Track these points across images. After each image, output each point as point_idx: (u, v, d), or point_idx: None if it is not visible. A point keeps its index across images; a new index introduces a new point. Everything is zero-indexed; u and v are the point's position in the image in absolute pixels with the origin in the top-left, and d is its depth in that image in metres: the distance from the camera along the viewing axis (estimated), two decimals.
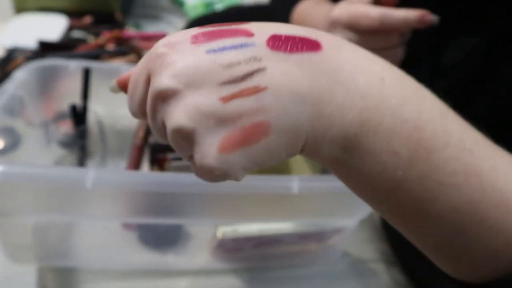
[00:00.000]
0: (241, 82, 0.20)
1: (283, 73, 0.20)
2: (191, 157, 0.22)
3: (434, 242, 0.24)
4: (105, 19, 0.94)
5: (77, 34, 0.88)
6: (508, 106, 0.41)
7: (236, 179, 0.22)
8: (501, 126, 0.40)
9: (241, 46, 0.20)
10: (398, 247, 0.55)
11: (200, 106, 0.20)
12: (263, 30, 0.21)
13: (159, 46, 0.21)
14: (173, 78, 0.20)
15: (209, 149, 0.20)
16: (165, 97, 0.21)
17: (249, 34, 0.21)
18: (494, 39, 0.41)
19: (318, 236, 0.48)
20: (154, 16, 1.11)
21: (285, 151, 0.21)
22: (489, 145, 0.23)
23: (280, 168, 0.52)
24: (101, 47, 0.79)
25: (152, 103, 0.21)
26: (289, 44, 0.21)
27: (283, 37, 0.21)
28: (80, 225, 0.46)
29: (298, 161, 0.53)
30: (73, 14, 0.93)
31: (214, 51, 0.20)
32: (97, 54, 0.73)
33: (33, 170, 0.36)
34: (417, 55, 0.47)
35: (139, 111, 0.23)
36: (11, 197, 0.39)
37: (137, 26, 1.02)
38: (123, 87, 0.25)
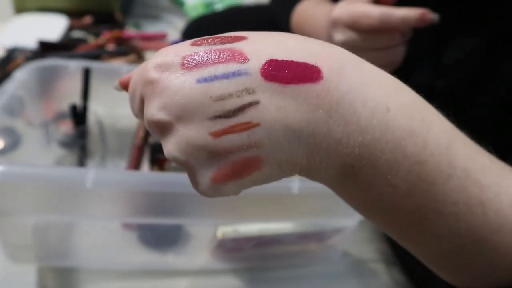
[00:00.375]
0: (232, 117, 0.19)
1: (277, 108, 0.19)
2: None
3: (432, 256, 0.24)
4: (105, 19, 0.94)
5: (77, 34, 0.88)
6: (508, 106, 0.41)
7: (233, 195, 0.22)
8: (500, 126, 0.40)
9: (234, 74, 0.19)
10: (398, 247, 0.54)
11: (191, 140, 0.20)
12: (259, 51, 0.20)
13: (150, 69, 0.21)
14: (164, 111, 0.20)
15: (202, 179, 0.21)
16: (157, 128, 0.21)
17: (243, 59, 0.20)
18: (494, 39, 0.41)
19: (318, 236, 0.48)
20: (154, 16, 1.11)
21: (278, 178, 0.21)
22: (496, 167, 0.22)
23: None
24: (101, 47, 0.79)
25: (149, 127, 0.22)
26: (286, 73, 0.19)
27: (280, 64, 0.19)
28: (80, 225, 0.46)
29: None
30: (73, 14, 0.93)
31: (205, 80, 0.19)
32: (97, 54, 0.73)
33: (33, 170, 0.36)
34: (418, 55, 0.47)
35: (139, 116, 0.23)
36: (11, 197, 0.39)
37: (137, 26, 1.02)
38: (125, 88, 0.25)
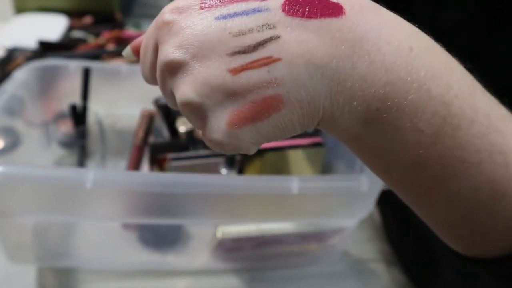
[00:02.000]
0: (252, 52, 0.18)
1: (298, 42, 0.19)
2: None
3: (449, 219, 0.23)
4: (105, 19, 0.94)
5: (77, 34, 0.88)
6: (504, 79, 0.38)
7: (248, 152, 0.21)
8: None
9: (254, 11, 0.19)
10: (398, 247, 0.55)
11: (208, 79, 0.19)
12: None
13: (166, 12, 0.20)
14: (180, 49, 0.19)
15: (218, 124, 0.20)
16: (172, 69, 0.20)
17: None
18: (489, 9, 0.38)
19: (318, 236, 0.48)
20: (154, 16, 1.09)
21: (299, 126, 0.20)
22: None
23: (280, 168, 0.52)
24: (101, 47, 0.79)
25: (160, 74, 0.21)
26: (307, 8, 0.19)
27: (300, 0, 0.19)
28: (80, 225, 0.46)
29: (298, 161, 0.53)
30: (73, 14, 0.93)
31: (224, 17, 0.19)
32: (97, 54, 0.73)
33: (33, 170, 0.36)
34: (412, 11, 0.43)
35: (151, 77, 0.23)
36: (11, 197, 0.39)
37: (137, 26, 1.01)
38: (136, 53, 0.25)
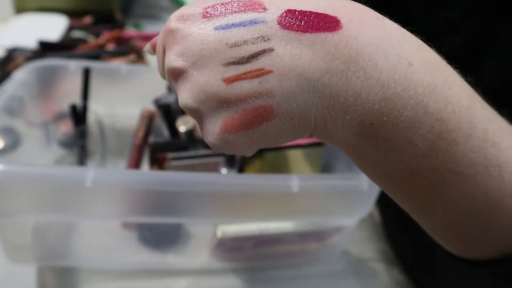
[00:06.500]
0: (246, 64, 0.19)
1: (292, 56, 0.19)
2: None
3: (444, 225, 0.23)
4: (105, 19, 0.94)
5: (77, 34, 0.88)
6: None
7: (244, 154, 0.22)
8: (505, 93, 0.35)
9: (251, 23, 0.19)
10: (398, 246, 0.55)
11: (204, 86, 0.20)
12: (278, 3, 0.20)
13: (172, 20, 0.21)
14: (180, 57, 0.20)
15: (212, 128, 0.21)
16: (174, 74, 0.21)
17: (262, 9, 0.20)
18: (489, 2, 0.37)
19: (318, 236, 0.48)
20: (154, 16, 1.11)
21: (291, 135, 0.21)
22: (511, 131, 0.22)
23: (280, 167, 0.52)
24: (101, 47, 0.79)
25: (167, 76, 0.22)
26: (302, 22, 0.19)
27: (296, 14, 0.19)
28: (80, 225, 0.46)
29: (298, 160, 0.53)
30: (73, 14, 0.93)
31: (223, 27, 0.20)
32: (97, 54, 0.73)
33: (33, 169, 0.36)
34: (411, 13, 0.43)
35: (163, 74, 0.24)
36: (11, 197, 0.39)
37: (137, 26, 1.02)
38: (154, 50, 0.26)
